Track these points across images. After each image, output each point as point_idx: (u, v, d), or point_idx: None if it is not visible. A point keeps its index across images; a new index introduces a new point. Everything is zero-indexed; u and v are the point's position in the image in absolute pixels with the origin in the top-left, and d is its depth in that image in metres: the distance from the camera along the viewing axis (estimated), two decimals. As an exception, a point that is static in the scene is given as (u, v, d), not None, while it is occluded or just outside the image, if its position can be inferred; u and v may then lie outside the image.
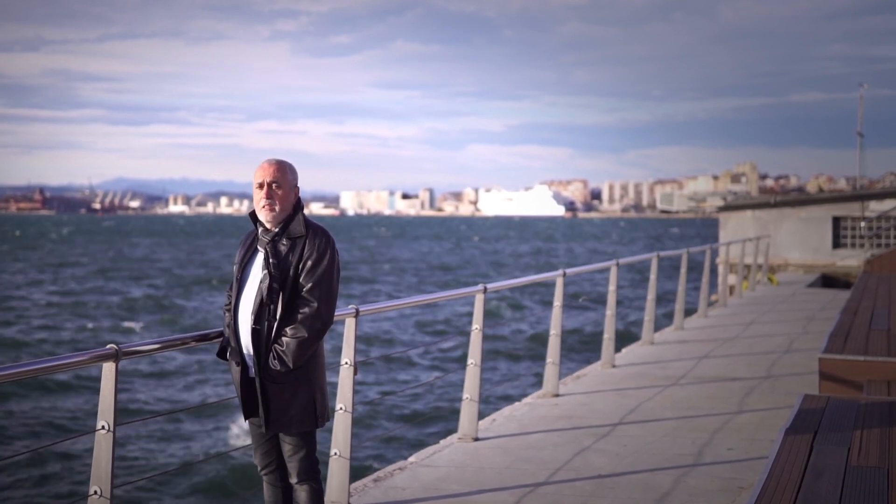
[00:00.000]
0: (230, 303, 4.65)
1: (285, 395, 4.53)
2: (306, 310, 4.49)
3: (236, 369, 4.60)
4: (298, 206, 4.66)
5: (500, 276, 55.60)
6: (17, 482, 14.12)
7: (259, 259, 4.59)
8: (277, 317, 4.49)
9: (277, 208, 4.58)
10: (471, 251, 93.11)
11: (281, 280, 4.50)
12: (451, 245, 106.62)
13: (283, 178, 4.60)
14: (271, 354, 4.49)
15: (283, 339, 4.48)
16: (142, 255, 78.27)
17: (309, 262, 4.52)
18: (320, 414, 4.62)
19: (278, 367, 4.47)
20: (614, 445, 7.34)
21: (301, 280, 4.51)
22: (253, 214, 4.68)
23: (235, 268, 4.67)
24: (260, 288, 4.51)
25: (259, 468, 4.80)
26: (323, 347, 4.69)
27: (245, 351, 4.57)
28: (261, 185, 4.60)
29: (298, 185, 4.69)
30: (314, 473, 4.71)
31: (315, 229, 4.60)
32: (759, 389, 9.56)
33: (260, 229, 4.64)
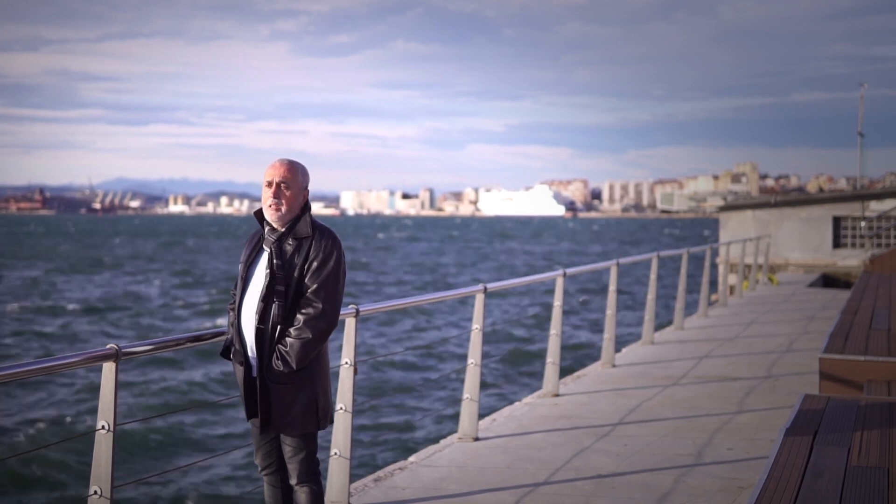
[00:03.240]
0: (235, 302, 4.64)
1: (287, 396, 4.51)
2: (310, 311, 4.46)
3: (239, 369, 4.58)
4: (306, 207, 4.62)
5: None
6: (17, 482, 14.11)
7: (264, 258, 4.55)
8: (281, 317, 4.47)
9: (284, 208, 4.54)
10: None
11: (285, 280, 4.48)
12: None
13: (292, 178, 4.56)
14: (275, 355, 4.46)
15: (287, 339, 4.45)
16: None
17: (315, 263, 4.49)
18: (322, 416, 4.59)
19: (281, 368, 4.45)
20: (614, 445, 7.34)
21: (306, 281, 4.48)
22: (259, 213, 4.65)
23: (241, 266, 4.65)
24: (263, 287, 4.50)
25: (259, 469, 4.79)
26: (328, 349, 4.66)
27: (248, 351, 4.55)
28: (269, 184, 4.57)
29: (308, 186, 4.65)
30: (314, 475, 4.69)
31: (322, 230, 4.57)
32: (759, 389, 9.56)
33: (266, 228, 4.60)
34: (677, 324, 14.71)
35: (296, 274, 4.48)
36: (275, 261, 4.49)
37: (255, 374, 4.53)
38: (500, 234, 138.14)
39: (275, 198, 4.55)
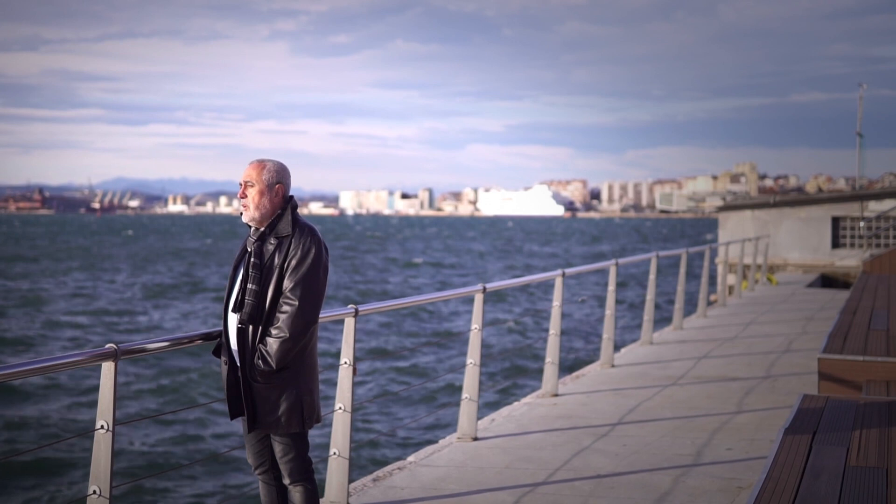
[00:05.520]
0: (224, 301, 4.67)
1: (271, 395, 4.52)
2: (288, 309, 4.47)
3: (225, 368, 4.61)
4: (287, 205, 4.62)
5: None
6: (17, 482, 14.11)
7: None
8: (262, 316, 4.48)
9: (251, 207, 4.57)
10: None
11: (265, 279, 4.49)
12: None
13: (257, 176, 4.58)
14: (256, 354, 4.49)
15: (267, 339, 4.47)
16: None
17: (293, 262, 4.50)
18: (307, 416, 4.59)
19: (262, 367, 4.47)
20: (613, 445, 7.34)
21: (285, 279, 4.50)
22: None
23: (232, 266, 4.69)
24: (241, 287, 4.52)
25: (253, 468, 4.80)
26: (314, 348, 4.66)
27: (233, 350, 4.58)
28: (240, 185, 4.63)
29: (284, 183, 4.63)
30: (307, 474, 4.70)
31: (302, 228, 4.57)
32: (758, 389, 9.56)
33: (251, 228, 4.64)
34: (676, 324, 14.71)
35: (275, 273, 4.50)
36: (253, 260, 4.52)
37: (238, 373, 4.55)
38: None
39: (241, 197, 4.61)
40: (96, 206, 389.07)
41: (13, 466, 14.51)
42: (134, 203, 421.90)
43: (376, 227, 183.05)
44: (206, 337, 4.78)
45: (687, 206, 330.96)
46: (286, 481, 4.69)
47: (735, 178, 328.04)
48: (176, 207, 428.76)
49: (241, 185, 4.61)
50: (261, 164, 4.63)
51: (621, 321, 28.47)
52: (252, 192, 4.58)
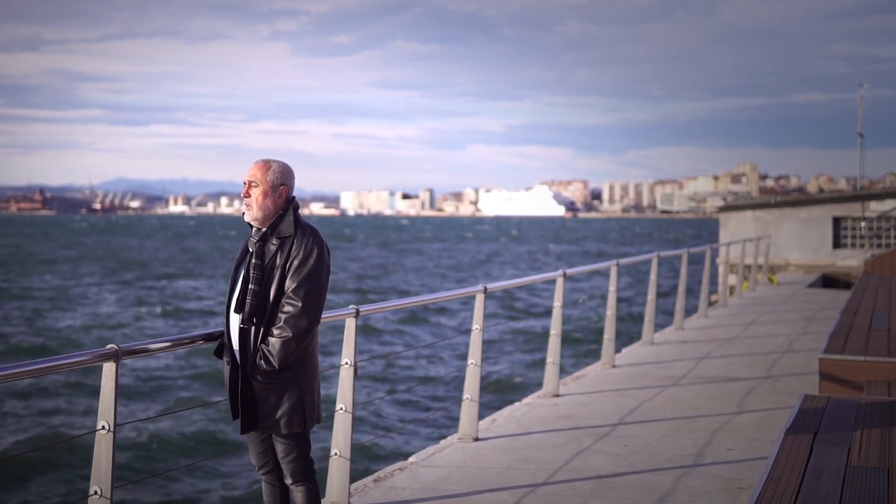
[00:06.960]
0: (225, 302, 4.67)
1: (272, 395, 4.53)
2: (290, 309, 4.47)
3: (227, 368, 4.61)
4: (289, 205, 4.62)
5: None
6: (17, 482, 14.11)
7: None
8: (264, 317, 4.49)
9: (254, 207, 4.58)
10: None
11: (267, 280, 4.50)
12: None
13: (261, 177, 4.59)
14: (258, 354, 4.49)
15: (270, 339, 4.47)
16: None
17: (296, 262, 4.51)
18: (309, 416, 4.60)
19: (265, 367, 4.47)
20: (614, 446, 7.34)
21: (287, 279, 4.51)
22: None
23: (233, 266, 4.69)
24: (242, 287, 4.52)
25: (256, 468, 4.80)
26: (315, 349, 4.67)
27: (235, 350, 4.58)
28: (244, 185, 4.63)
29: (288, 184, 4.64)
30: (309, 474, 4.71)
31: (304, 229, 4.58)
32: (759, 390, 9.56)
33: (253, 229, 4.64)
34: (677, 324, 14.71)
35: (277, 273, 4.50)
36: (254, 261, 4.52)
37: (240, 373, 4.55)
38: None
39: (244, 196, 4.61)
40: (97, 206, 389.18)
41: (14, 467, 14.51)
42: (135, 203, 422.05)
43: (382, 227, 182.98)
44: (208, 337, 4.78)
45: (688, 206, 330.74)
46: (288, 481, 4.70)
47: (736, 179, 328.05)
48: (177, 208, 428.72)
49: (244, 184, 4.61)
50: (266, 164, 4.63)
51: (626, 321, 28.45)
52: (256, 193, 4.58)
